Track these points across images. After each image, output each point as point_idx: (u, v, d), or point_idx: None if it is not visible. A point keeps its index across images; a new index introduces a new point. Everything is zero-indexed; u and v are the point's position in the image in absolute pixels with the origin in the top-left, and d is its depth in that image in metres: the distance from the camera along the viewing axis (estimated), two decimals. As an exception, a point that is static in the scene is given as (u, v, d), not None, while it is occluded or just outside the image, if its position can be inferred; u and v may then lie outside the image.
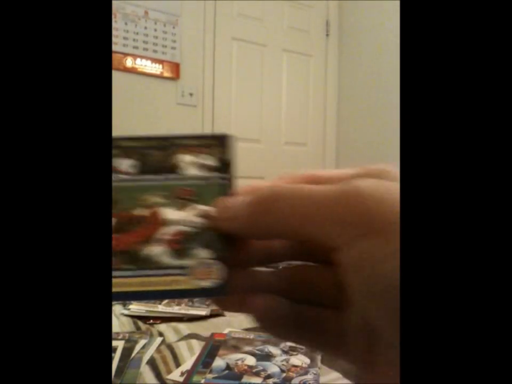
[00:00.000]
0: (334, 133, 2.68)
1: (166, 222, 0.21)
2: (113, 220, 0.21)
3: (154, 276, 0.19)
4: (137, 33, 2.10)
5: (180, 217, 0.21)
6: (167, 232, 0.21)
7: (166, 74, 2.17)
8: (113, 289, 0.18)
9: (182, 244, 0.20)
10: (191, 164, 0.23)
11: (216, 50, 2.33)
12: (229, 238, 0.20)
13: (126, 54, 2.07)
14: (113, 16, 2.02)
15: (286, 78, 2.56)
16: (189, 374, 0.44)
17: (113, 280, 0.19)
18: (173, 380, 0.43)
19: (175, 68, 2.20)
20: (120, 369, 0.45)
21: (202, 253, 0.20)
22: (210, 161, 0.23)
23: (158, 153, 0.24)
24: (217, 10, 2.32)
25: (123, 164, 0.24)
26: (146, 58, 2.12)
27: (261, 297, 0.19)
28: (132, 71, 2.10)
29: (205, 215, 0.21)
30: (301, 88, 2.60)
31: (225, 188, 0.22)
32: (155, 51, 2.14)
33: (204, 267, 0.19)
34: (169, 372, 0.45)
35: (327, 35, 2.66)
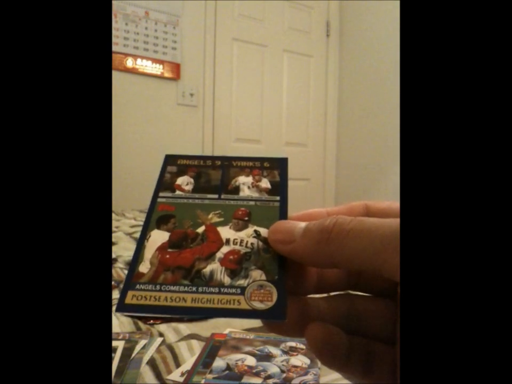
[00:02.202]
0: (334, 134, 2.68)
1: (222, 241, 0.21)
2: (169, 235, 0.21)
3: (209, 294, 0.19)
4: (137, 34, 2.10)
5: (236, 237, 0.21)
6: (224, 251, 0.20)
7: (167, 74, 2.17)
8: (169, 303, 0.18)
9: (238, 264, 0.20)
10: (246, 185, 0.24)
11: (216, 51, 2.33)
12: (284, 262, 0.20)
13: (126, 54, 2.07)
14: (113, 16, 2.02)
15: (286, 78, 2.55)
16: (189, 374, 0.44)
17: (169, 294, 0.19)
18: (173, 380, 0.43)
19: (176, 68, 2.20)
20: (120, 369, 0.45)
21: (258, 275, 0.20)
22: (265, 183, 0.24)
23: (214, 172, 0.25)
24: (218, 11, 2.32)
25: (178, 181, 0.24)
26: (147, 58, 2.12)
27: (319, 325, 0.19)
28: (133, 71, 2.10)
29: (261, 237, 0.21)
30: (302, 89, 2.60)
31: (279, 210, 0.22)
32: (156, 51, 2.14)
33: (260, 289, 0.19)
34: (169, 372, 0.45)
35: (328, 35, 2.66)
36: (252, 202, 0.23)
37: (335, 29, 2.65)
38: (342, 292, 0.21)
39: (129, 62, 2.08)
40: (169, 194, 0.23)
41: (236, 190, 0.23)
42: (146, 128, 2.08)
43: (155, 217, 0.22)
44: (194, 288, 0.19)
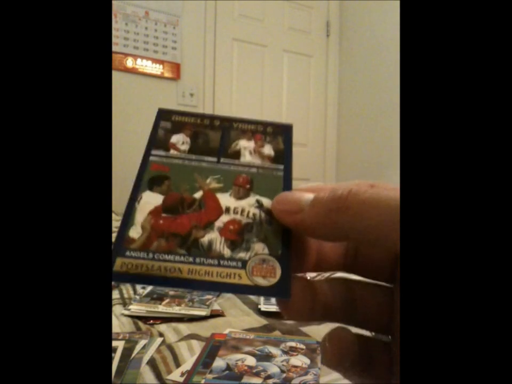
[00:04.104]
0: (334, 134, 2.68)
1: (222, 210, 0.19)
2: (162, 198, 0.19)
3: (208, 265, 0.17)
4: (137, 34, 2.10)
5: (237, 205, 0.19)
6: (224, 220, 0.19)
7: (167, 74, 2.17)
8: (163, 273, 0.17)
9: (239, 235, 0.18)
10: (247, 150, 0.22)
11: (216, 51, 2.33)
12: (288, 235, 0.18)
13: (126, 54, 2.07)
14: (113, 16, 2.02)
15: (286, 78, 2.55)
16: (189, 374, 0.44)
17: (163, 264, 0.17)
18: (173, 380, 0.43)
19: (176, 68, 2.20)
20: (120, 369, 0.45)
21: (260, 248, 0.18)
22: (268, 149, 0.22)
23: (212, 133, 0.22)
24: (218, 11, 2.32)
25: (173, 139, 0.22)
26: (147, 58, 2.12)
27: (342, 331, 0.18)
28: (133, 71, 2.10)
29: (263, 208, 0.19)
30: (302, 89, 2.60)
31: (283, 180, 0.20)
32: (156, 51, 2.14)
33: (262, 263, 0.18)
34: (169, 372, 0.45)
35: (328, 35, 2.66)
36: (254, 169, 0.21)
37: (335, 29, 2.65)
38: (338, 275, 0.20)
39: (129, 62, 2.08)
40: (163, 153, 0.21)
41: (237, 154, 0.21)
42: (147, 128, 2.07)
43: (147, 178, 0.20)
44: (191, 259, 0.17)
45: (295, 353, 0.49)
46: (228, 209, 0.19)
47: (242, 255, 0.18)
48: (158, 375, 0.44)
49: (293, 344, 0.50)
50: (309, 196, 0.17)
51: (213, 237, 0.18)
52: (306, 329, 0.59)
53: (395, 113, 2.15)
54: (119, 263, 0.17)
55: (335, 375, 0.44)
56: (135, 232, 0.18)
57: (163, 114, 0.23)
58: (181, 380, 0.43)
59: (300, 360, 0.47)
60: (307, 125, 2.62)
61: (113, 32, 2.03)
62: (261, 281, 0.17)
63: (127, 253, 0.17)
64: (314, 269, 0.20)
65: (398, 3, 2.04)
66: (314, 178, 2.63)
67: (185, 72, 2.23)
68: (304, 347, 0.49)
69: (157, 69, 2.14)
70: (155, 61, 2.14)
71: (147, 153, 0.21)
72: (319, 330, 0.59)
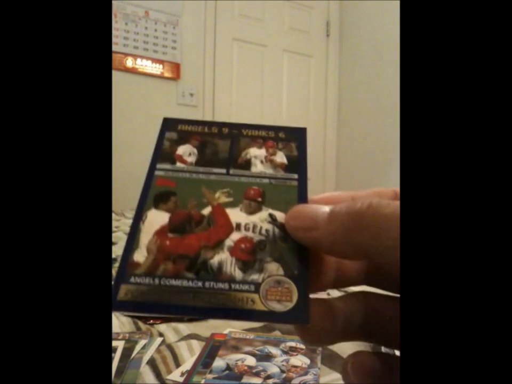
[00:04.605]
0: (334, 134, 2.68)
1: (232, 226, 0.18)
2: (169, 217, 0.18)
3: (218, 290, 0.16)
4: (137, 34, 2.10)
5: (248, 221, 0.18)
6: (234, 238, 0.17)
7: (167, 74, 2.17)
8: (171, 301, 0.16)
9: (251, 254, 0.17)
10: (258, 159, 0.20)
11: (216, 51, 2.33)
12: (304, 253, 0.17)
13: (126, 54, 2.07)
14: (113, 16, 2.02)
15: (286, 78, 2.56)
16: (189, 374, 0.44)
17: (170, 290, 0.16)
18: (173, 380, 0.43)
19: (176, 68, 2.20)
20: (120, 369, 0.45)
21: (275, 268, 0.17)
22: (281, 157, 0.20)
23: (221, 142, 0.21)
24: (218, 11, 2.32)
25: (179, 150, 0.20)
26: (147, 58, 2.12)
27: (366, 355, 0.17)
28: (132, 71, 2.10)
29: (277, 222, 0.18)
30: (302, 89, 2.60)
31: (298, 191, 0.19)
32: (155, 51, 2.14)
33: (277, 286, 0.16)
34: (169, 372, 0.45)
35: (328, 35, 2.66)
36: (266, 180, 0.19)
37: (335, 29, 2.65)
38: (356, 289, 0.19)
39: (129, 62, 2.08)
40: (169, 167, 0.20)
41: (247, 164, 0.20)
42: (146, 128, 2.08)
43: (152, 194, 0.19)
44: (200, 283, 0.16)
45: (295, 353, 0.49)
46: (238, 226, 0.18)
47: (255, 277, 0.16)
48: (158, 375, 0.44)
49: (292, 344, 0.50)
50: (325, 210, 0.16)
51: (223, 258, 0.17)
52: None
53: (395, 113, 2.15)
54: (123, 291, 0.16)
55: (335, 375, 0.44)
56: (140, 256, 0.17)
57: (168, 124, 0.22)
58: (181, 380, 0.43)
59: (300, 360, 0.47)
60: (307, 124, 2.61)
61: (113, 32, 2.03)
62: (276, 306, 0.16)
63: (132, 279, 0.16)
64: (333, 286, 0.19)
65: (398, 3, 2.04)
66: (314, 178, 2.63)
67: (185, 72, 2.23)
68: (304, 347, 0.49)
69: (156, 68, 2.14)
70: (155, 60, 2.14)
71: (152, 167, 0.20)
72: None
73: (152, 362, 0.46)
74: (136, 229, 0.18)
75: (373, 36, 2.36)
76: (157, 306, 0.16)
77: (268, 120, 2.46)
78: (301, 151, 0.20)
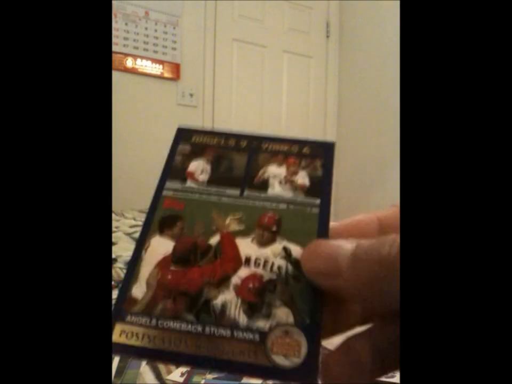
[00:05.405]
0: (334, 134, 2.68)
1: (241, 260, 0.16)
2: (174, 245, 0.16)
3: (219, 338, 0.15)
4: (137, 34, 2.10)
5: (259, 255, 0.16)
6: (241, 275, 0.16)
7: (167, 74, 2.17)
8: (167, 347, 0.15)
9: (259, 296, 0.15)
10: (277, 179, 0.18)
11: (216, 51, 2.33)
12: (319, 296, 0.15)
13: (126, 55, 2.07)
14: (113, 16, 2.02)
15: (286, 79, 2.55)
16: (189, 374, 0.44)
17: (167, 334, 0.15)
18: (172, 381, 0.43)
19: (176, 69, 2.20)
20: (120, 369, 0.45)
21: (284, 315, 0.15)
22: (302, 178, 0.18)
23: (238, 157, 0.19)
24: (218, 11, 2.32)
25: (191, 166, 0.19)
26: (147, 58, 2.12)
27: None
28: (132, 71, 2.10)
29: (292, 258, 0.16)
30: (301, 90, 2.60)
31: (319, 220, 0.17)
32: (155, 51, 2.14)
33: (285, 337, 0.14)
34: (169, 372, 0.45)
35: (328, 36, 2.66)
36: (283, 205, 0.17)
37: (335, 30, 2.65)
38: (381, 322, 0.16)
39: (129, 62, 2.08)
40: (179, 186, 0.18)
41: (264, 184, 0.18)
42: (146, 128, 2.08)
43: (158, 217, 0.18)
44: (200, 328, 0.15)
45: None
46: (248, 260, 0.16)
47: (261, 324, 0.15)
48: (158, 375, 0.44)
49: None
50: (347, 249, 0.14)
51: (227, 298, 0.15)
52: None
53: (395, 113, 2.15)
54: (117, 331, 0.15)
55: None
56: (138, 291, 0.16)
57: (182, 135, 0.20)
58: (181, 380, 0.43)
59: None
60: (307, 125, 2.62)
61: (113, 32, 2.03)
62: (282, 362, 0.14)
63: (128, 318, 0.15)
64: (361, 322, 0.16)
65: (397, 3, 2.04)
66: (314, 178, 2.62)
67: (185, 73, 2.23)
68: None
69: (156, 69, 2.14)
70: (155, 61, 2.14)
71: (161, 185, 0.19)
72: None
73: (152, 363, 0.46)
74: (137, 257, 0.17)
75: (373, 36, 2.36)
76: (151, 352, 0.15)
77: (268, 120, 2.46)
78: (326, 171, 0.18)
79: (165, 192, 0.18)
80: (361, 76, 2.47)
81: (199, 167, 0.19)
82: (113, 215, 1.53)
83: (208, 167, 0.19)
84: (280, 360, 0.14)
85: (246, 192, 0.18)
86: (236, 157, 0.19)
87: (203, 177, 0.18)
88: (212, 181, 0.18)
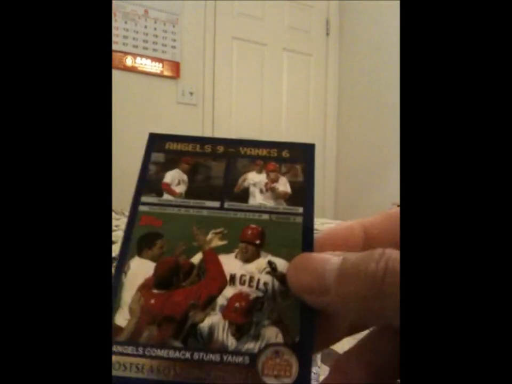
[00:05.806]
0: (334, 133, 2.68)
1: (226, 279, 0.15)
2: (154, 267, 0.16)
3: (208, 363, 0.14)
4: (137, 32, 2.10)
5: (244, 271, 0.15)
6: (227, 294, 0.15)
7: (166, 73, 2.17)
8: (155, 376, 0.14)
9: (246, 316, 0.15)
10: (257, 187, 0.17)
11: (216, 49, 2.33)
12: (309, 313, 0.14)
13: (126, 53, 2.07)
14: (113, 15, 2.02)
15: (286, 77, 2.55)
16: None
17: (155, 363, 0.14)
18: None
19: (175, 67, 2.19)
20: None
21: (273, 334, 0.14)
22: (283, 185, 0.17)
23: (215, 164, 0.18)
24: (218, 9, 2.32)
25: (167, 177, 0.18)
26: (146, 57, 2.12)
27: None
28: (132, 70, 2.09)
29: (277, 273, 0.15)
30: (301, 88, 2.60)
31: (303, 230, 0.16)
32: (155, 50, 2.14)
33: (275, 357, 0.14)
34: None
35: (328, 34, 2.65)
36: (266, 216, 0.16)
37: (335, 28, 2.65)
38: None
39: (129, 61, 2.08)
40: (155, 199, 0.17)
41: (245, 194, 0.17)
42: (146, 126, 2.07)
43: (136, 236, 0.17)
44: (188, 354, 0.14)
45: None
46: (233, 278, 0.15)
47: (250, 345, 0.14)
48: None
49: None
50: (334, 264, 0.13)
51: (214, 321, 0.15)
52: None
53: (395, 112, 2.15)
54: None
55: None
56: (122, 318, 0.15)
57: (155, 141, 0.19)
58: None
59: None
60: (307, 123, 2.62)
61: (113, 31, 2.02)
62: (273, 383, 0.14)
63: (114, 348, 0.15)
64: (350, 332, 0.16)
65: (397, 3, 2.04)
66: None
67: (185, 71, 2.23)
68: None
69: (156, 67, 2.14)
70: (154, 59, 2.14)
71: (136, 201, 0.18)
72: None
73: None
74: (118, 283, 0.16)
75: (373, 34, 2.36)
76: (140, 382, 0.14)
77: (268, 118, 2.46)
78: (307, 177, 0.18)
79: (141, 208, 0.18)
80: (361, 73, 2.46)
81: (175, 178, 0.18)
82: (113, 214, 1.53)
83: (185, 177, 0.18)
84: (271, 381, 0.14)
85: (226, 204, 0.17)
86: (213, 164, 0.18)
87: (180, 188, 0.17)
88: (189, 192, 0.17)
